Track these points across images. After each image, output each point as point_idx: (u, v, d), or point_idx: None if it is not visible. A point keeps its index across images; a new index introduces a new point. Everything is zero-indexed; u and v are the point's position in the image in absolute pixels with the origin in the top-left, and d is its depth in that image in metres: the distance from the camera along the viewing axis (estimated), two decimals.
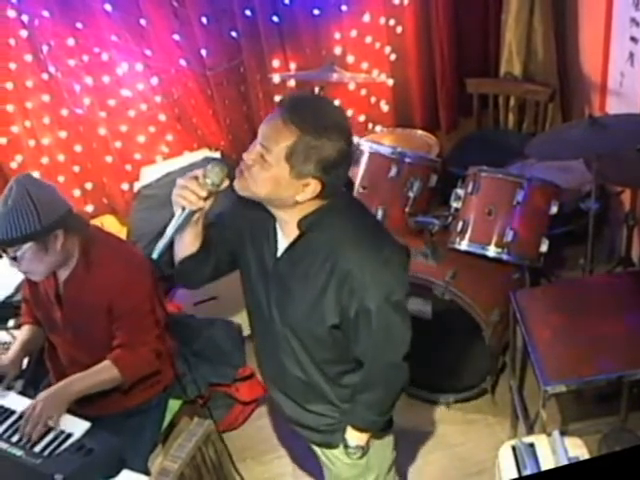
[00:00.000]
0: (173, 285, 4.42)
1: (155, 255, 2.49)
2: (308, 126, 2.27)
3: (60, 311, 3.28)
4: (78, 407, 3.13)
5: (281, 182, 2.33)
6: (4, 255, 3.12)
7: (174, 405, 3.62)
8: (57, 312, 3.29)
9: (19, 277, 4.34)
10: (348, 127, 2.38)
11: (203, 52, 5.03)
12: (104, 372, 3.18)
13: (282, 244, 2.55)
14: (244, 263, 2.70)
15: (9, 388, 3.27)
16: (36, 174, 4.93)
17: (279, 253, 2.56)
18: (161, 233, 4.64)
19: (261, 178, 2.34)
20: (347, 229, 2.46)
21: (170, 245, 2.55)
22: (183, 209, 2.46)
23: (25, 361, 3.50)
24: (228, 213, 2.74)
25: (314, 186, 2.34)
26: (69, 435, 2.93)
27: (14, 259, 3.04)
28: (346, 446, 2.79)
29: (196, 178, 2.44)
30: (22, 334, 3.49)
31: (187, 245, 2.64)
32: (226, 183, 2.46)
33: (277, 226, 2.56)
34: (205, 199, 2.45)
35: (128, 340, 3.21)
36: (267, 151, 2.31)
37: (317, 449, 2.98)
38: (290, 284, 2.55)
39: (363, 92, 5.49)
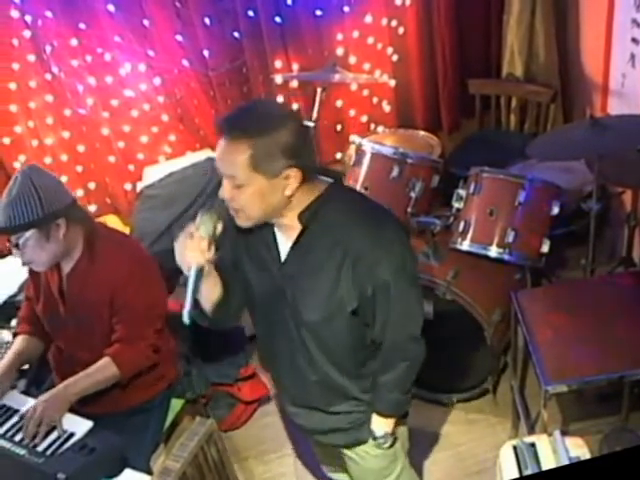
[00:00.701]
0: (176, 283, 4.44)
1: (187, 320, 2.46)
2: (253, 130, 2.30)
3: (63, 306, 3.29)
4: (81, 406, 3.14)
5: (264, 191, 2.36)
6: (9, 244, 3.13)
7: (176, 404, 3.63)
8: (60, 307, 3.29)
9: (22, 276, 4.36)
10: (287, 109, 2.43)
11: (206, 53, 5.06)
12: (103, 370, 3.19)
13: (285, 248, 2.57)
14: (247, 288, 2.72)
15: (13, 387, 3.28)
16: None
17: (283, 257, 2.57)
18: (163, 232, 4.68)
19: (247, 202, 2.38)
20: (348, 212, 2.49)
21: (195, 303, 2.54)
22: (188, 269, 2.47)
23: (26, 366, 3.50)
24: (222, 250, 2.66)
25: (295, 174, 2.35)
26: (71, 434, 2.94)
27: (17, 246, 3.06)
28: (374, 437, 2.80)
29: (191, 235, 2.44)
30: (16, 345, 3.43)
31: (210, 295, 2.63)
32: (220, 226, 2.47)
33: (276, 233, 2.58)
34: (209, 249, 2.45)
35: (127, 334, 3.22)
36: (234, 178, 2.34)
37: (344, 450, 2.97)
38: (302, 282, 2.55)
39: (365, 93, 5.51)
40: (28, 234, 3.02)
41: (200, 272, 2.47)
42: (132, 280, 3.17)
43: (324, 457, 3.33)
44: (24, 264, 3.20)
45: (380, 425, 2.78)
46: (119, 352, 3.20)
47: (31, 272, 3.40)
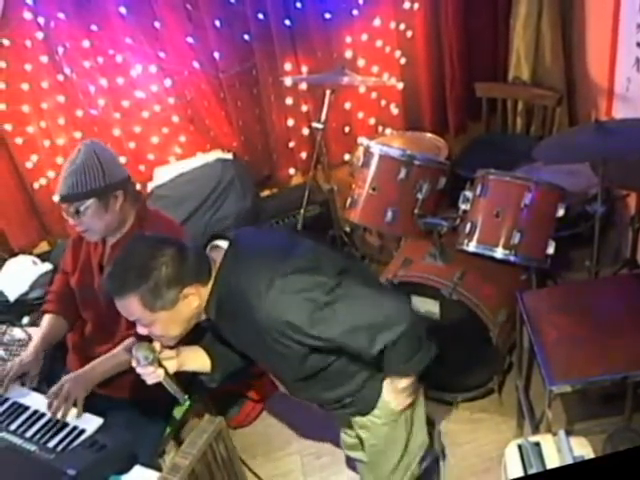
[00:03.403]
0: None
1: (186, 401, 2.81)
2: (133, 284, 2.47)
3: (99, 278, 3.37)
4: (98, 387, 3.22)
5: (173, 318, 2.57)
6: (66, 213, 3.24)
7: (185, 402, 3.63)
8: (95, 280, 3.40)
9: (33, 275, 4.41)
10: (160, 240, 2.58)
11: (216, 55, 5.08)
12: (124, 353, 3.25)
13: None
14: None
15: (23, 384, 3.32)
16: (51, 174, 5.01)
17: None
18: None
19: (163, 332, 2.61)
20: (242, 290, 2.55)
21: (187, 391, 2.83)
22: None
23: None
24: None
25: (191, 290, 2.55)
26: (82, 431, 2.98)
27: (77, 213, 3.17)
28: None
29: (137, 365, 2.66)
30: (43, 326, 3.53)
31: (203, 369, 2.93)
32: (158, 347, 2.67)
33: None
34: (160, 366, 2.67)
35: None
36: (142, 319, 2.55)
37: (354, 427, 3.10)
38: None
39: (373, 95, 5.54)
40: (89, 202, 3.16)
41: (169, 378, 2.71)
42: None
43: (342, 422, 3.39)
44: (81, 233, 3.33)
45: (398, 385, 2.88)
46: None
47: (73, 244, 3.54)
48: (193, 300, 2.56)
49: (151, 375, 2.66)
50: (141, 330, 2.61)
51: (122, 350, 3.28)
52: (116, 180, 3.21)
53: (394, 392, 2.90)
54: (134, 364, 2.66)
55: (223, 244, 2.67)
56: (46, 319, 3.57)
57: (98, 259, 3.40)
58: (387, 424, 3.00)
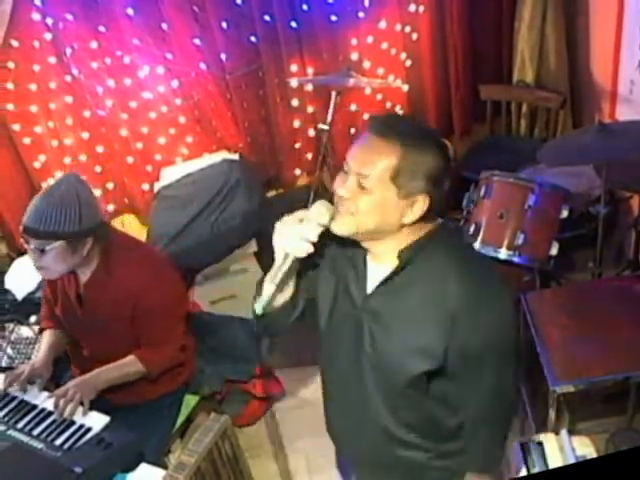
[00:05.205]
0: (191, 283, 4.49)
1: (259, 309, 2.25)
2: (409, 139, 2.08)
3: (80, 310, 3.31)
4: (103, 393, 3.21)
5: (387, 207, 2.10)
6: (27, 244, 3.04)
7: (192, 401, 3.66)
8: (78, 311, 3.31)
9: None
10: (442, 139, 2.19)
11: (223, 56, 5.09)
12: (130, 365, 3.26)
13: (373, 277, 2.28)
14: (322, 310, 2.41)
15: (31, 383, 3.29)
16: (59, 175, 5.02)
17: (369, 289, 2.29)
18: (180, 232, 4.68)
19: (365, 209, 2.10)
20: (452, 261, 2.19)
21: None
22: (285, 256, 2.19)
23: None
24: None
25: (422, 203, 2.12)
26: (89, 429, 2.97)
27: (41, 251, 2.99)
28: None
29: (301, 221, 2.16)
30: (46, 338, 3.47)
31: (283, 295, 2.35)
32: (327, 220, 2.16)
33: (367, 259, 2.30)
34: (315, 243, 2.16)
35: (154, 339, 3.27)
36: (365, 177, 2.08)
37: None
38: (385, 322, 2.26)
39: (379, 97, 5.54)
40: (57, 244, 2.97)
41: (294, 263, 2.22)
42: (153, 286, 3.19)
43: None
44: (37, 268, 3.15)
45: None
46: (146, 355, 3.27)
47: None
48: (413, 213, 2.13)
49: (305, 243, 2.15)
50: (343, 188, 2.13)
51: (128, 362, 3.27)
52: (90, 226, 3.03)
53: None
54: (300, 215, 2.17)
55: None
56: (46, 334, 3.51)
57: (74, 291, 3.29)
58: None
